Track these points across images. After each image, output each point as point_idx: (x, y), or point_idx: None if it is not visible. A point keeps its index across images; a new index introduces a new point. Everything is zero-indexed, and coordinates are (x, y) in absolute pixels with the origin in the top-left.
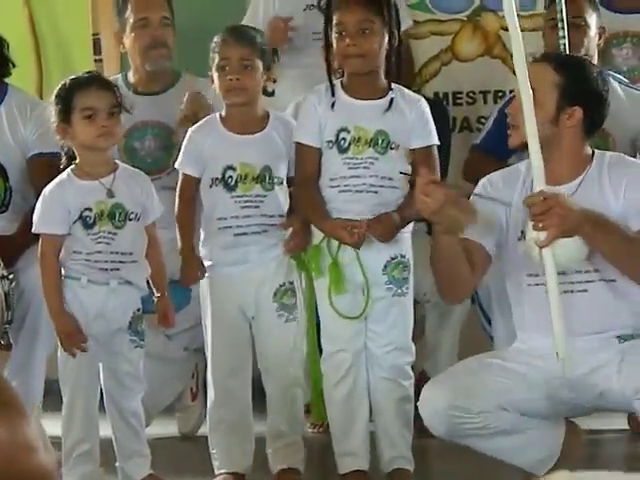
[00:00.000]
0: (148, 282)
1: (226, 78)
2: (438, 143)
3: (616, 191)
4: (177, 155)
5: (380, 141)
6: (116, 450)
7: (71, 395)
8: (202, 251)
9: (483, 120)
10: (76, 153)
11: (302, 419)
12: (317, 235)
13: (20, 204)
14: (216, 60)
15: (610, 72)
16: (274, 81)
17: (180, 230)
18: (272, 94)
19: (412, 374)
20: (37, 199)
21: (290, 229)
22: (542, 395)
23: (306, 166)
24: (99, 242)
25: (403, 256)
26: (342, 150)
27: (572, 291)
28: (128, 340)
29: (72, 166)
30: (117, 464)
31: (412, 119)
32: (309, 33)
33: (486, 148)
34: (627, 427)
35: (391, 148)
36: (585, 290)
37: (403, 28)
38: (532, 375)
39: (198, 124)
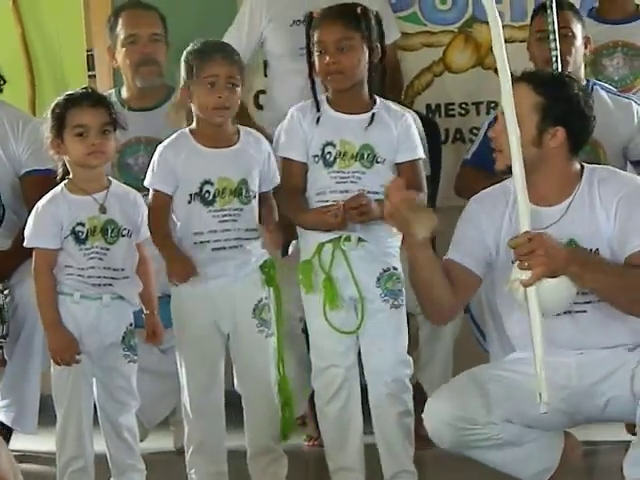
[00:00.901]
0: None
1: (214, 96)
2: (423, 157)
3: (607, 210)
4: None
5: (366, 155)
6: (110, 465)
7: (65, 411)
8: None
9: (475, 131)
10: (70, 169)
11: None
12: (307, 251)
13: (13, 220)
14: (200, 74)
15: (597, 81)
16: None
17: (162, 242)
18: (261, 107)
19: (411, 387)
20: (30, 216)
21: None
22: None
23: (292, 180)
24: (92, 257)
25: (395, 268)
26: (328, 164)
27: (570, 312)
28: (121, 355)
29: (65, 181)
30: (111, 479)
31: (397, 133)
32: (296, 48)
33: (477, 163)
34: (626, 438)
35: (377, 162)
36: (584, 311)
37: (392, 40)
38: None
39: (168, 140)
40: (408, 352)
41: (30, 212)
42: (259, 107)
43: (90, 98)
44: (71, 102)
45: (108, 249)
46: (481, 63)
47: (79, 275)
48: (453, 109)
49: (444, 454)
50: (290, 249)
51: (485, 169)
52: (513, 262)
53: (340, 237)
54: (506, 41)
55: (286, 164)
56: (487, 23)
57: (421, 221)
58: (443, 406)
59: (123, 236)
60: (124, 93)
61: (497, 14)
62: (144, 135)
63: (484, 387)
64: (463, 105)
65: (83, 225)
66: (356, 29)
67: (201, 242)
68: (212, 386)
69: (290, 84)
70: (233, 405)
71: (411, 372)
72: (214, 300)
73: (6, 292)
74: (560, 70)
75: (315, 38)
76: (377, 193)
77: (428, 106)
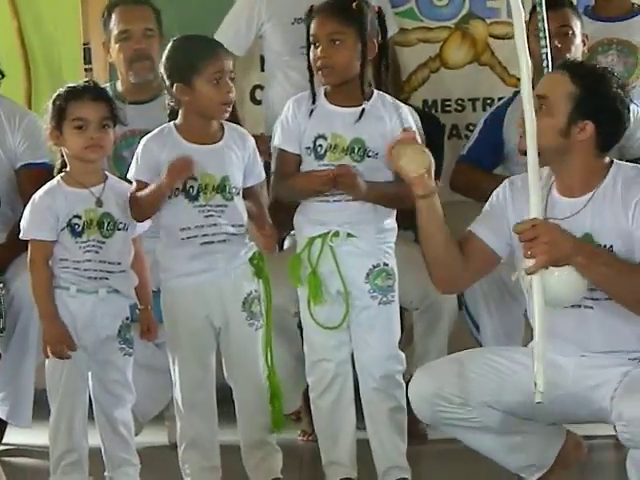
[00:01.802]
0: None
1: (222, 91)
2: None
3: (626, 210)
4: None
5: (356, 149)
6: (105, 459)
7: (59, 404)
8: (163, 262)
9: (472, 127)
10: (67, 162)
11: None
12: (299, 245)
13: (8, 214)
14: (207, 70)
15: None
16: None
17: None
18: (259, 102)
19: (403, 383)
20: (25, 209)
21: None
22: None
23: (285, 171)
24: (87, 250)
25: (386, 264)
26: (318, 157)
27: (580, 306)
28: (117, 348)
29: (62, 173)
30: (106, 473)
31: (392, 126)
32: (296, 47)
33: (472, 159)
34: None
35: (368, 156)
36: (591, 307)
37: (389, 35)
38: (528, 379)
39: (152, 133)
40: (403, 348)
41: (26, 206)
42: (256, 102)
43: (91, 92)
44: (72, 94)
45: (104, 242)
46: (477, 59)
47: (75, 268)
48: (449, 105)
49: (440, 450)
50: (286, 244)
51: (481, 165)
52: None
53: (329, 232)
54: (502, 37)
55: (280, 155)
56: (484, 19)
57: (413, 157)
58: (423, 382)
59: (119, 230)
60: (119, 87)
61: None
62: (139, 128)
63: (471, 370)
64: (459, 101)
65: (79, 218)
66: (349, 24)
67: (189, 237)
68: (204, 381)
69: (289, 82)
70: (225, 400)
71: (403, 368)
72: (205, 294)
73: (0, 285)
74: (550, 67)
75: (310, 31)
76: None
77: (425, 102)
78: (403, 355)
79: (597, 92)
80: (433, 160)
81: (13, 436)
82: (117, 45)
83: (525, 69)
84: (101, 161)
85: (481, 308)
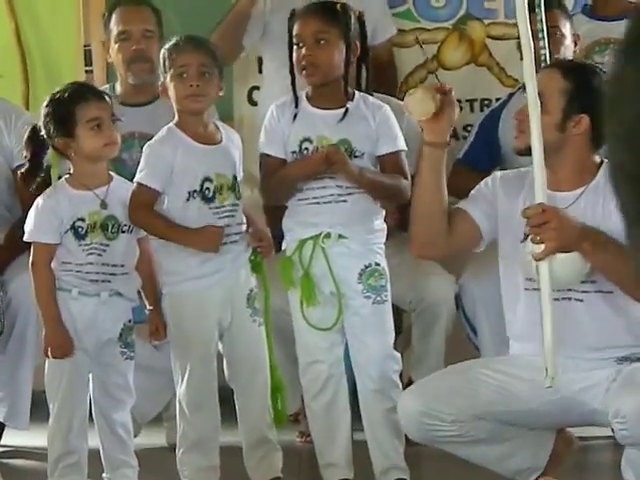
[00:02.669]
0: (139, 292)
1: (185, 85)
2: (405, 149)
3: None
4: None
5: (343, 150)
6: (103, 461)
7: (58, 406)
8: (168, 266)
9: (469, 128)
10: (72, 165)
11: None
12: (289, 247)
13: (5, 215)
14: (172, 69)
15: None
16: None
17: (164, 230)
18: (256, 103)
19: (400, 383)
20: (22, 210)
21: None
22: (526, 408)
23: (271, 175)
24: (90, 253)
25: (377, 264)
26: None
27: (569, 299)
28: (118, 352)
29: (66, 176)
30: (104, 475)
31: (376, 126)
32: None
33: (469, 162)
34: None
35: (355, 156)
36: (581, 300)
37: (387, 36)
38: (518, 388)
39: (158, 136)
40: (401, 349)
41: (23, 206)
42: (253, 103)
43: (93, 91)
44: (76, 97)
45: (108, 245)
46: (475, 60)
47: (77, 271)
48: None
49: (439, 451)
50: (284, 245)
51: (477, 168)
52: (525, 238)
53: (320, 234)
54: (500, 38)
55: (265, 160)
56: (481, 20)
57: (422, 99)
58: (411, 401)
59: (124, 232)
60: (118, 88)
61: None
62: (138, 130)
63: (459, 385)
64: (457, 102)
65: (83, 220)
66: (334, 24)
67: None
68: (210, 383)
69: (285, 81)
70: (224, 402)
71: (399, 368)
72: (215, 296)
73: (0, 287)
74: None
75: (294, 31)
76: (359, 187)
77: None
78: (399, 355)
79: (589, 85)
80: (457, 111)
81: (11, 438)
82: (116, 45)
83: (529, 65)
84: (105, 162)
85: (478, 311)
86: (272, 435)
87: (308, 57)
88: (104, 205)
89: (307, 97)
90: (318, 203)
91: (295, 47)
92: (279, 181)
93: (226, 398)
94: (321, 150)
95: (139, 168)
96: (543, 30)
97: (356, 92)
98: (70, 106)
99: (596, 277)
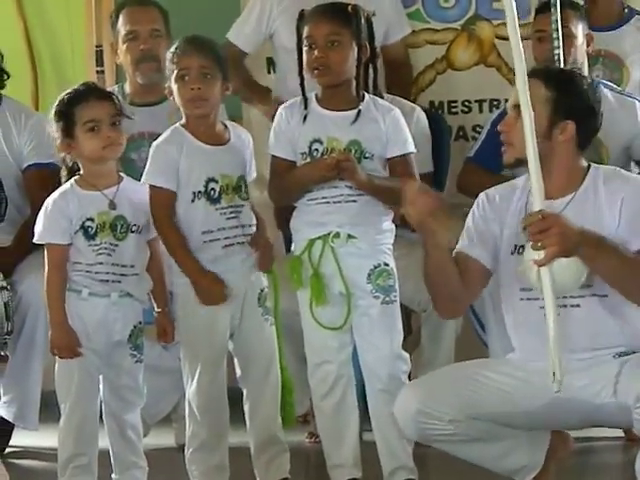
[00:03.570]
0: (149, 294)
1: (186, 88)
2: (414, 151)
3: (611, 207)
4: None
5: (353, 151)
6: (113, 462)
7: (69, 407)
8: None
9: (478, 129)
10: (80, 166)
11: None
12: (299, 247)
13: (15, 215)
14: (175, 71)
15: (602, 80)
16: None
17: (179, 251)
18: None
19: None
20: (32, 210)
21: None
22: (528, 411)
23: (280, 177)
24: (100, 253)
25: (386, 264)
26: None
27: (565, 306)
28: (128, 354)
29: (76, 176)
30: (114, 476)
31: (386, 128)
32: None
33: (479, 161)
34: (621, 435)
35: (365, 157)
36: (578, 305)
37: (402, 35)
38: (518, 390)
39: (164, 136)
40: (410, 350)
41: (32, 206)
42: None
43: (95, 92)
44: (76, 98)
45: (117, 245)
46: (484, 61)
47: (87, 271)
48: (456, 106)
49: (446, 451)
50: (293, 246)
51: (488, 167)
52: (516, 249)
53: (329, 234)
54: (509, 39)
55: (275, 162)
56: (490, 21)
57: (447, 228)
58: (408, 401)
59: (133, 232)
60: (127, 89)
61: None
62: (148, 130)
63: (456, 385)
64: (466, 103)
65: (92, 220)
66: (346, 26)
67: (211, 240)
68: (219, 382)
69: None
70: (232, 404)
71: (408, 368)
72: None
73: (8, 288)
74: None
75: (305, 33)
76: None
77: (431, 103)
78: (407, 355)
79: (571, 92)
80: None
81: (20, 438)
82: (124, 46)
83: (520, 73)
84: (115, 162)
85: (488, 310)
86: (281, 435)
87: (320, 59)
88: (113, 205)
89: (317, 98)
90: (328, 203)
91: (306, 49)
92: (288, 183)
93: (234, 400)
94: (332, 156)
95: (146, 168)
96: (558, 30)
97: (365, 94)
98: (70, 107)
99: (592, 281)
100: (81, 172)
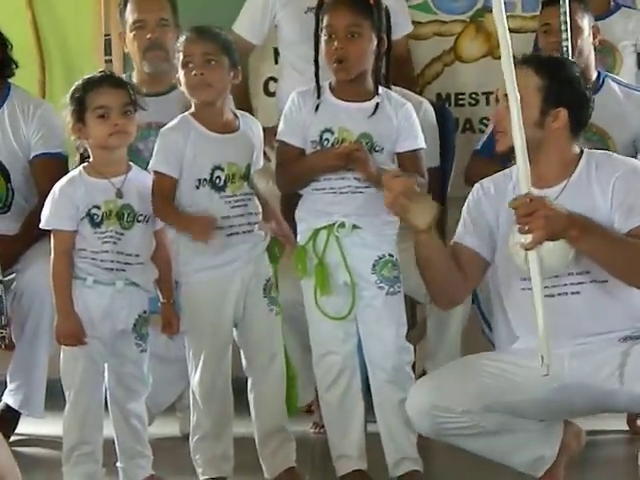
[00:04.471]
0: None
1: (191, 74)
2: (424, 147)
3: (604, 191)
4: None
5: (364, 144)
6: (117, 450)
7: (74, 395)
8: (184, 255)
9: (485, 121)
10: (90, 152)
11: None
12: (303, 236)
13: (22, 205)
14: (180, 58)
15: (609, 73)
16: (275, 80)
17: (174, 216)
18: (273, 94)
19: (412, 374)
20: (39, 199)
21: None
22: (537, 398)
23: (288, 163)
24: (106, 241)
25: (391, 255)
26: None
27: (566, 293)
28: (133, 343)
29: (84, 164)
30: (118, 464)
31: (398, 123)
32: (310, 36)
33: (487, 153)
34: (625, 428)
35: (375, 150)
36: (578, 292)
37: (404, 33)
38: (528, 378)
39: (172, 124)
40: (415, 342)
41: (39, 195)
42: (269, 94)
43: (110, 80)
44: (90, 84)
45: (123, 234)
46: (492, 53)
47: (92, 259)
48: (463, 99)
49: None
50: (298, 236)
51: (494, 159)
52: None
53: (334, 223)
54: (517, 31)
55: (283, 148)
56: None
57: (421, 210)
58: (421, 394)
59: (139, 222)
60: (134, 78)
61: None
62: (155, 120)
63: (468, 377)
64: (473, 95)
65: (99, 208)
66: (366, 17)
67: (215, 229)
68: (223, 371)
69: (302, 71)
70: (236, 394)
71: (411, 359)
72: (229, 286)
73: (7, 279)
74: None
75: (324, 22)
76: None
77: (438, 95)
78: (411, 346)
79: (562, 79)
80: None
81: (26, 426)
82: (132, 34)
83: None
84: (124, 151)
85: (495, 310)
86: (287, 424)
87: (340, 50)
88: (120, 194)
89: (330, 88)
90: (334, 193)
91: (325, 38)
92: (297, 170)
93: (238, 390)
94: (344, 145)
95: (153, 155)
96: (566, 22)
97: (380, 87)
98: (84, 92)
99: (590, 267)
100: (90, 159)
